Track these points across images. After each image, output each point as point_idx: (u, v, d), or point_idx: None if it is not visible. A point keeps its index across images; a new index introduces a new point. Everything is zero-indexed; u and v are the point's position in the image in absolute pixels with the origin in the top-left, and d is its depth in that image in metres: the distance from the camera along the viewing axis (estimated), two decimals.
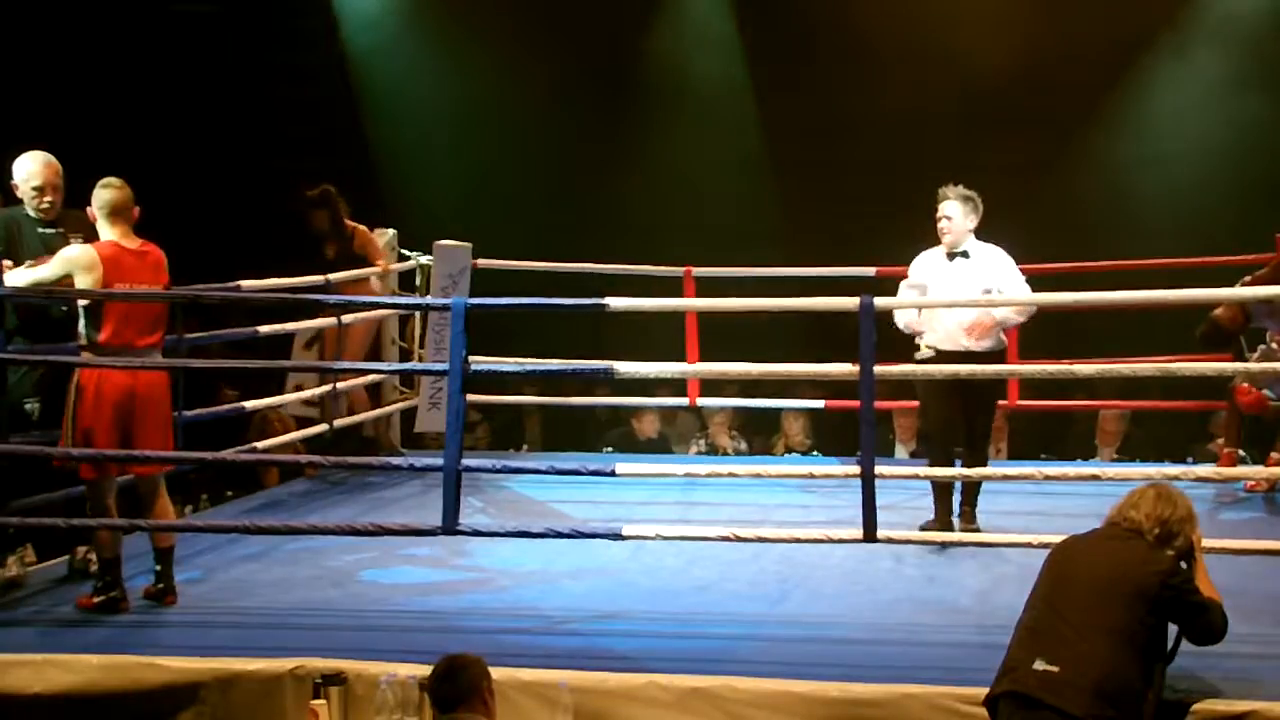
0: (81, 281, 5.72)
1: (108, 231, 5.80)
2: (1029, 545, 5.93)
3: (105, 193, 5.79)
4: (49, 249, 6.06)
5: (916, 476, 6.69)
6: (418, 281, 8.94)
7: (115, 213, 5.79)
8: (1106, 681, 4.23)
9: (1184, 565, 4.55)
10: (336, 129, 11.98)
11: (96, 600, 5.75)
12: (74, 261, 5.74)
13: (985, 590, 6.01)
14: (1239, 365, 7.17)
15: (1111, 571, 4.41)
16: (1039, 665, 4.26)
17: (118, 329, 5.73)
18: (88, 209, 5.88)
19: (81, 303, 5.77)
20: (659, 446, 9.89)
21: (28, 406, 6.19)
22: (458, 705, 4.23)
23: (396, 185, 11.75)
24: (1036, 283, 7.14)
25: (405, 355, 8.95)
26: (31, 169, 6.26)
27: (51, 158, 6.31)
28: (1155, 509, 4.58)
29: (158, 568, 5.89)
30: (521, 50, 11.55)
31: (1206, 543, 5.55)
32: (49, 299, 6.06)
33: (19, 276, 5.92)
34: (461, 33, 11.85)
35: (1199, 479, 6.69)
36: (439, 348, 8.25)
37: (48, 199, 6.26)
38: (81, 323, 5.78)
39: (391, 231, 8.95)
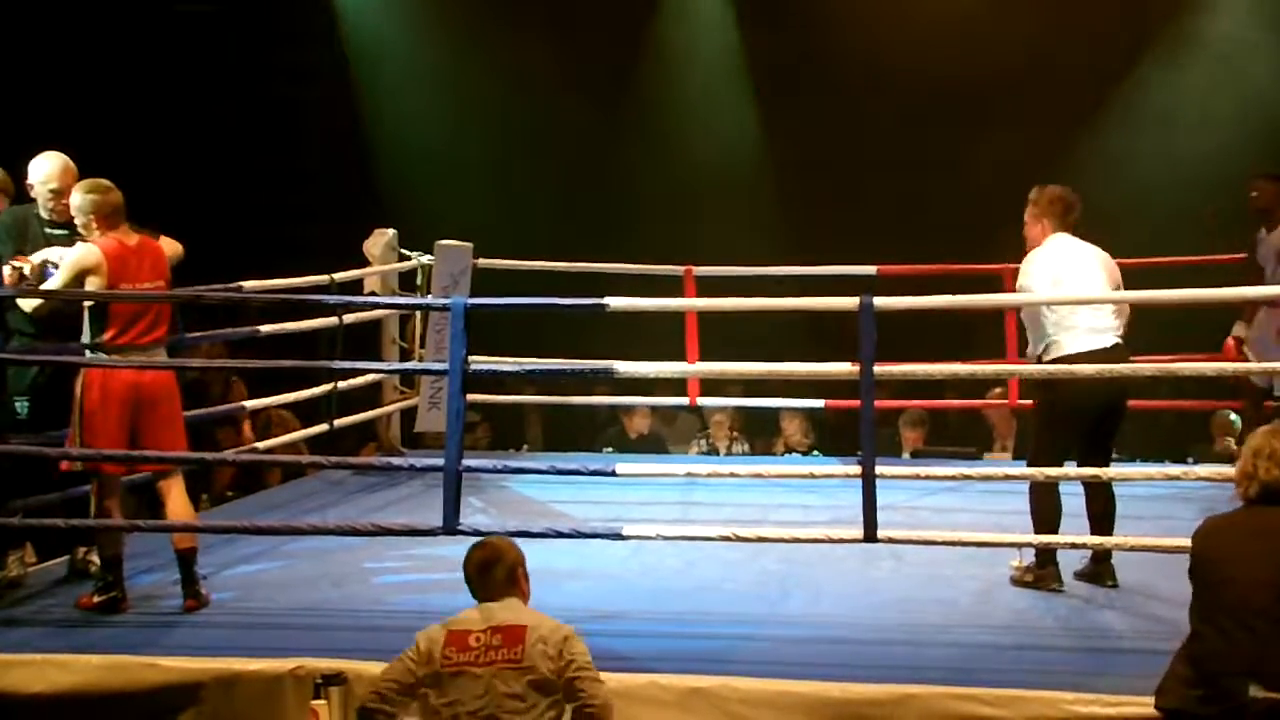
0: (90, 283, 5.74)
1: (108, 232, 5.80)
2: (1030, 545, 5.95)
3: (111, 195, 5.80)
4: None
5: (917, 476, 6.68)
6: (418, 281, 8.93)
7: (116, 213, 5.80)
8: None
9: None
10: (336, 129, 11.98)
11: (97, 600, 5.74)
12: (81, 264, 5.75)
13: (985, 590, 6.01)
14: (1239, 365, 7.17)
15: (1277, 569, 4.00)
16: (1257, 693, 3.91)
17: (123, 328, 5.74)
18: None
19: (86, 303, 5.78)
20: (652, 443, 9.89)
21: (18, 405, 6.18)
22: (495, 594, 4.30)
23: (396, 185, 11.75)
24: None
25: (405, 355, 8.94)
26: (49, 171, 6.22)
27: (69, 160, 6.27)
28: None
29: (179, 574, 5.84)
30: (522, 50, 11.55)
31: None
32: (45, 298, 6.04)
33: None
34: (462, 32, 11.85)
35: (1199, 479, 6.69)
36: (439, 348, 8.25)
37: (64, 202, 6.19)
38: (86, 323, 5.79)
39: (391, 231, 8.94)
